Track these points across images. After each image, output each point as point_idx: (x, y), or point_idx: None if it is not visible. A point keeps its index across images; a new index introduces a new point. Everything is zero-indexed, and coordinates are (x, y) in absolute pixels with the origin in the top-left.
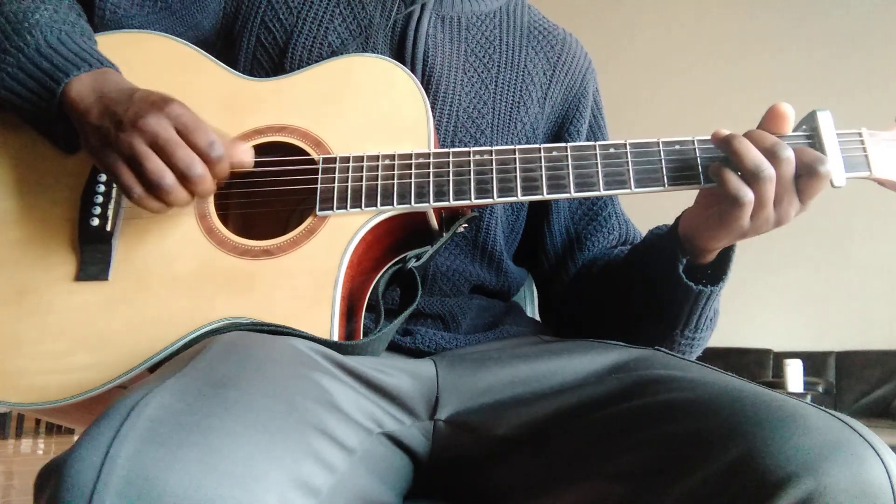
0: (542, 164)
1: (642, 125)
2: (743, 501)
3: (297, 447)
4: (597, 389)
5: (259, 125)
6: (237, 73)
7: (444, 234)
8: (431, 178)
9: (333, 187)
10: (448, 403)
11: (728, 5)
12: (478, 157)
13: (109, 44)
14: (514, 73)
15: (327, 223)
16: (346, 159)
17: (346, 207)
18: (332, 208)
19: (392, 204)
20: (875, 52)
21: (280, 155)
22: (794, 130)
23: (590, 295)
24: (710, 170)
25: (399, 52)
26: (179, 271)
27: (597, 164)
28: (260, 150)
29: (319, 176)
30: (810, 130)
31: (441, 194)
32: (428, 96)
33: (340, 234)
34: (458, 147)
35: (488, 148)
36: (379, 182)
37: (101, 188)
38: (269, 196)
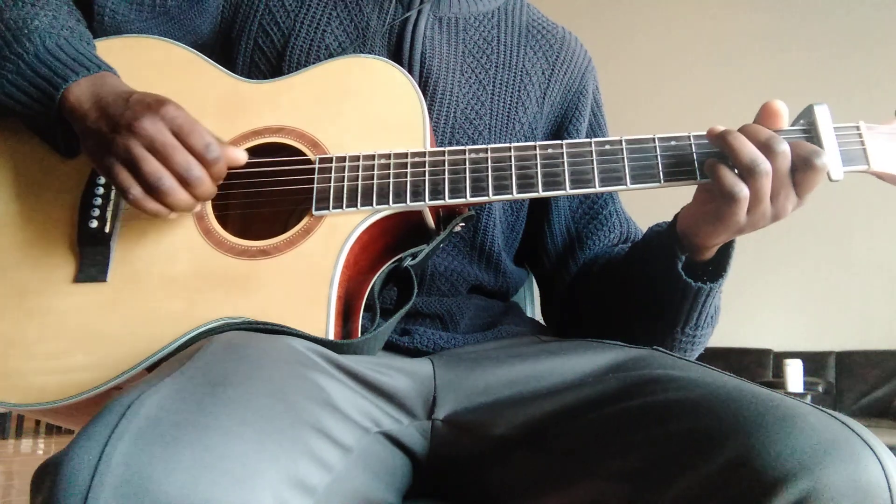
0: (538, 161)
1: (643, 124)
2: (740, 501)
3: (293, 446)
4: (595, 389)
5: (256, 127)
6: (235, 75)
7: (441, 233)
8: (427, 177)
9: (329, 187)
10: (445, 403)
11: (728, 5)
12: (473, 155)
13: (108, 49)
14: (513, 73)
15: (323, 223)
16: (342, 159)
17: (341, 207)
18: (328, 208)
19: (388, 203)
20: (875, 51)
21: (278, 156)
22: (792, 125)
23: (591, 294)
24: (706, 166)
25: (396, 53)
26: (177, 272)
27: (592, 160)
28: (258, 151)
29: (316, 176)
30: (807, 125)
31: (436, 193)
32: (425, 97)
33: (336, 233)
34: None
35: (484, 146)
36: (375, 181)
37: (100, 190)
38: (267, 197)
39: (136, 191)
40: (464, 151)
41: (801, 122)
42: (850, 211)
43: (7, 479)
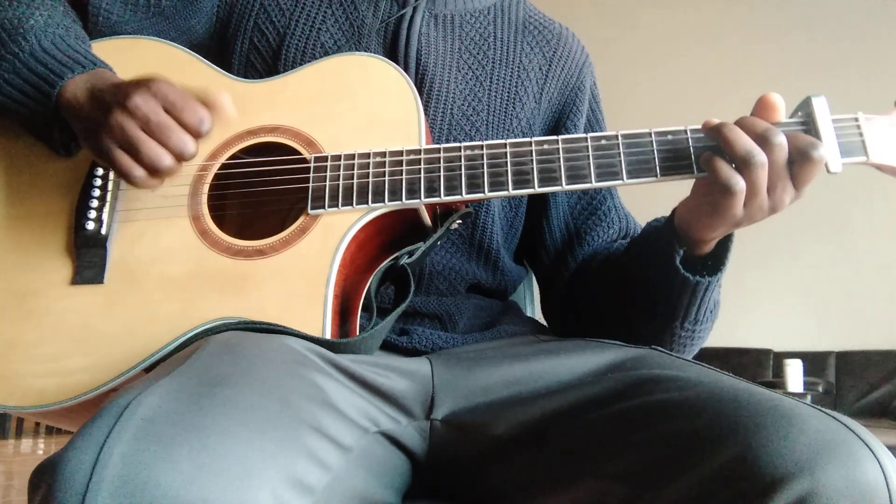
0: (533, 157)
1: (639, 118)
2: (739, 500)
3: (292, 445)
4: (594, 389)
5: (252, 126)
6: (230, 75)
7: (438, 230)
8: (422, 175)
9: (325, 185)
10: (444, 403)
11: None
12: (469, 152)
13: (104, 49)
14: (509, 70)
15: (319, 222)
16: (337, 158)
17: (337, 205)
18: (323, 207)
19: (383, 201)
20: (873, 42)
21: (274, 155)
22: (790, 117)
23: (590, 290)
24: (701, 160)
25: (392, 51)
26: (174, 273)
27: (588, 156)
28: (253, 151)
29: (311, 175)
30: (805, 116)
31: (432, 190)
32: (421, 95)
33: (332, 232)
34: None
35: (479, 143)
36: (370, 179)
37: (97, 192)
38: (263, 196)
39: (139, 172)
40: (459, 148)
41: (799, 114)
42: (851, 211)
43: (7, 479)
